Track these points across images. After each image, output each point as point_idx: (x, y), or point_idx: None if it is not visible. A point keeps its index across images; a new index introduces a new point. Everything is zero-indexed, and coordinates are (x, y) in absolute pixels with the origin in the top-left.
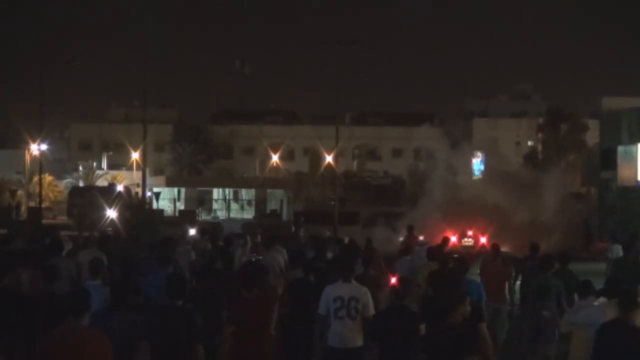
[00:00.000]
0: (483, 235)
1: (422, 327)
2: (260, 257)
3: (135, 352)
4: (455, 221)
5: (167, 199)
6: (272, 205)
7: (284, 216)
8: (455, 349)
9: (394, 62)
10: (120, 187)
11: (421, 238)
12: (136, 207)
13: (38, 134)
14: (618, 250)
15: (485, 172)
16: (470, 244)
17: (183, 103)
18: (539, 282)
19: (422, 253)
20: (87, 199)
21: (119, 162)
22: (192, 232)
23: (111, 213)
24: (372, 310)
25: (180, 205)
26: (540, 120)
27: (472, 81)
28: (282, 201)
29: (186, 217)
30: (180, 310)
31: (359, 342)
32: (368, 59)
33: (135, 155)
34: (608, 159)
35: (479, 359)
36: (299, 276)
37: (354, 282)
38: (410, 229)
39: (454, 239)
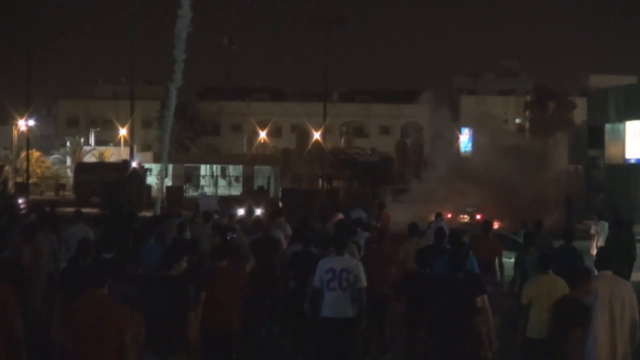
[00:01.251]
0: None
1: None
2: (235, 236)
3: None
4: (458, 195)
5: (155, 175)
6: (259, 181)
7: (271, 193)
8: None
9: (382, 39)
10: (134, 164)
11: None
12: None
13: (25, 110)
14: (604, 227)
15: (475, 147)
16: (466, 220)
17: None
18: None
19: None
20: (97, 176)
21: (107, 139)
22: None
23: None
24: (363, 282)
25: (168, 182)
26: (528, 97)
27: (460, 59)
28: (269, 178)
29: (174, 193)
30: (173, 280)
31: (351, 313)
32: (356, 37)
33: (123, 132)
34: (595, 137)
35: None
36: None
37: (346, 255)
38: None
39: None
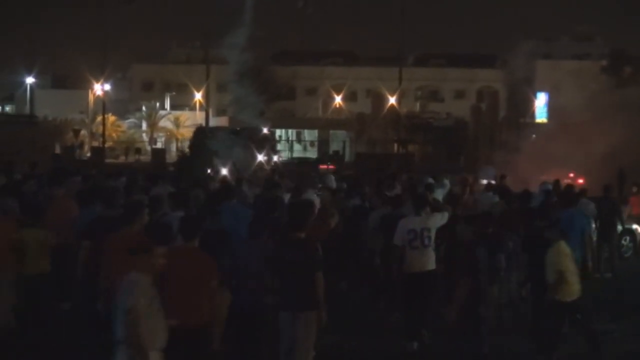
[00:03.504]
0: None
1: None
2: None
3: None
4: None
5: None
6: (334, 146)
7: (347, 157)
8: None
9: (457, 2)
10: (265, 130)
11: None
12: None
13: (101, 74)
14: None
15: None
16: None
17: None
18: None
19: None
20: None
21: (182, 103)
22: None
23: (261, 158)
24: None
25: None
26: (604, 62)
27: (534, 22)
28: (344, 142)
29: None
30: (305, 242)
31: (432, 266)
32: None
33: (198, 96)
34: None
35: None
36: (356, 204)
37: (423, 214)
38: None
39: None
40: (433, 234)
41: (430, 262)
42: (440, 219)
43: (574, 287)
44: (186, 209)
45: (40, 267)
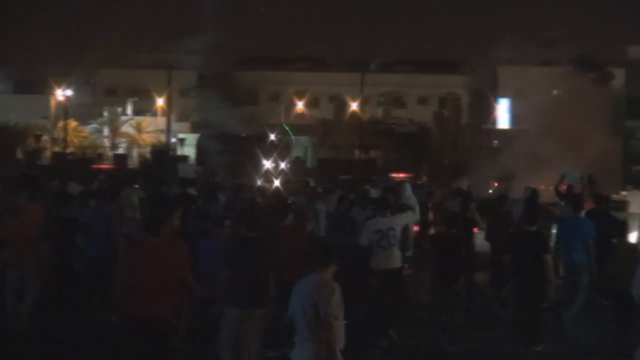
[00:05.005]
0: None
1: None
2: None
3: None
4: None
5: (192, 145)
6: (296, 152)
7: (309, 162)
8: None
9: (422, 9)
10: (272, 136)
11: None
12: (160, 153)
13: (64, 80)
14: (637, 197)
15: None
16: None
17: (210, 49)
18: None
19: None
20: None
21: (144, 108)
22: None
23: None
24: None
25: None
26: (568, 68)
27: (500, 29)
28: (306, 148)
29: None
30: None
31: (398, 264)
32: (397, 6)
33: (160, 101)
34: (634, 108)
35: None
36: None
37: (388, 215)
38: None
39: None
40: (398, 234)
41: (396, 260)
42: (404, 219)
43: None
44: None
45: None
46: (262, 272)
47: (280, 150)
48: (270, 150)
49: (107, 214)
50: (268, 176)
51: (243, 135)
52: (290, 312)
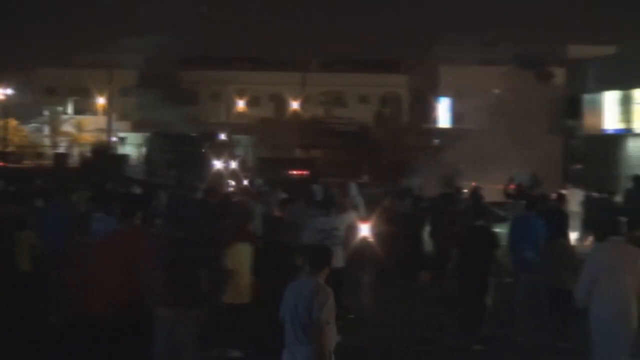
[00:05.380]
0: None
1: None
2: None
3: None
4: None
5: (132, 144)
6: (237, 150)
7: (249, 161)
8: None
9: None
10: (222, 136)
11: None
12: (100, 152)
13: (3, 78)
14: (576, 195)
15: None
16: None
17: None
18: None
19: None
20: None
21: (85, 107)
22: None
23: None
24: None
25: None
26: (507, 68)
27: (440, 28)
28: (247, 147)
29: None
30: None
31: (340, 264)
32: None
33: (101, 100)
34: (573, 107)
35: None
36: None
37: (332, 215)
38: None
39: None
40: (342, 233)
41: (339, 259)
42: (348, 219)
43: None
44: None
45: None
46: (193, 272)
47: (231, 149)
48: (220, 149)
49: (60, 213)
50: (236, 176)
51: (193, 134)
52: (282, 314)
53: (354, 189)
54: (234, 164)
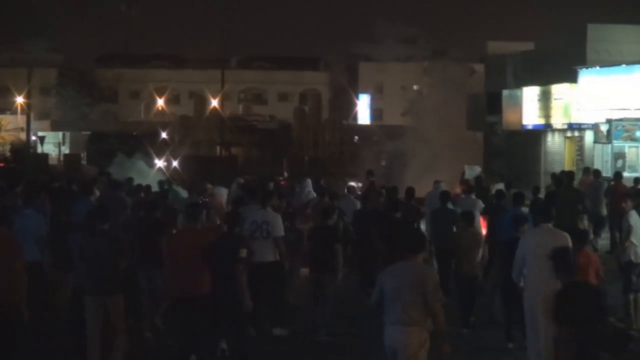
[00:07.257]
0: None
1: None
2: None
3: None
4: None
5: (52, 143)
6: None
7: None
8: None
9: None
10: (164, 134)
11: None
12: (19, 151)
13: None
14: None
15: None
16: None
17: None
18: None
19: None
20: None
21: (4, 107)
22: None
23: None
24: (281, 232)
25: (66, 150)
26: (426, 64)
27: (359, 25)
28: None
29: (70, 160)
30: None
31: (272, 258)
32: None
33: (19, 99)
34: (493, 103)
35: None
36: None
37: (268, 209)
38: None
39: None
40: (272, 227)
41: (270, 253)
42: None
43: None
44: None
45: None
46: (113, 261)
47: (172, 148)
48: (162, 148)
49: None
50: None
51: (134, 133)
52: (377, 296)
53: (309, 185)
54: (175, 163)
